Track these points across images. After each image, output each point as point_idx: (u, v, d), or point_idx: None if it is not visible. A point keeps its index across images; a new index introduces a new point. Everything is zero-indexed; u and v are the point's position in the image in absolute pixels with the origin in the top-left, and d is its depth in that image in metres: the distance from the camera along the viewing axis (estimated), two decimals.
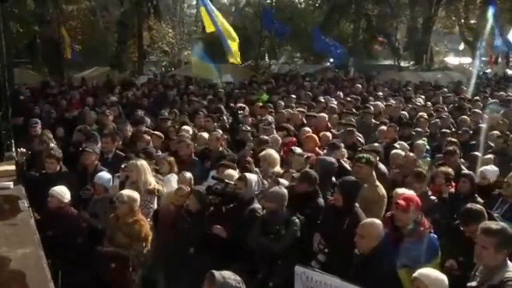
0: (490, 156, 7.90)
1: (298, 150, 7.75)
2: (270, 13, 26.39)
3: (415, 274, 4.10)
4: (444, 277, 4.11)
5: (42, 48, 26.23)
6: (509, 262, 3.96)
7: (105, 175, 6.80)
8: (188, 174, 7.03)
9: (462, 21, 33.30)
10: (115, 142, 8.19)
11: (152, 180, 6.70)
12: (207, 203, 6.12)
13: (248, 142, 9.01)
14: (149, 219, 6.35)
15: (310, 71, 26.40)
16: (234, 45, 13.36)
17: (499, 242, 3.90)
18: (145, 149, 7.93)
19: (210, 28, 13.20)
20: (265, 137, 8.62)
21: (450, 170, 6.82)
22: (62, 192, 6.14)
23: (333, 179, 6.77)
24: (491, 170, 6.98)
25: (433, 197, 6.35)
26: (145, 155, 7.46)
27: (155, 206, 6.70)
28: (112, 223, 5.90)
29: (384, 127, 9.64)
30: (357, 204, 5.50)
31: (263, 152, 7.63)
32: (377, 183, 6.52)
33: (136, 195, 5.90)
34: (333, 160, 6.96)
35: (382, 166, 7.50)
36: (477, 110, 11.98)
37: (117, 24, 28.50)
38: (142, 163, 6.71)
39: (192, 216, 6.02)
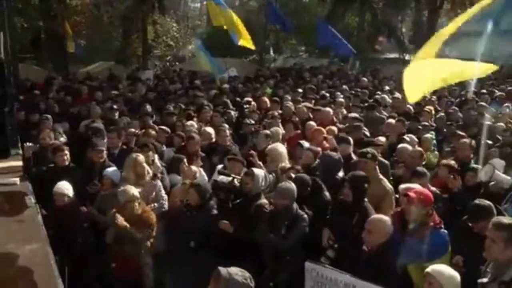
0: (495, 149, 7.85)
1: (306, 144, 7.70)
2: (274, 7, 26.24)
3: (427, 270, 4.07)
4: (456, 274, 4.09)
5: (46, 44, 26.21)
6: None
7: (113, 170, 6.80)
8: (194, 168, 7.07)
9: None
10: (121, 138, 8.18)
11: (149, 170, 6.75)
12: (208, 197, 6.08)
13: (250, 136, 8.97)
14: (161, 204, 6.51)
15: (315, 64, 26.29)
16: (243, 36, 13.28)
17: (510, 236, 3.85)
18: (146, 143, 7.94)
19: (216, 22, 13.10)
20: (267, 131, 8.56)
21: (453, 162, 6.78)
22: (65, 188, 6.16)
23: (340, 174, 6.76)
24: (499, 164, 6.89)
25: (433, 189, 6.24)
26: (147, 148, 7.46)
27: (162, 193, 6.74)
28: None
29: (392, 121, 9.56)
30: (366, 199, 5.47)
31: (269, 147, 7.61)
32: (381, 177, 6.47)
33: (133, 189, 5.93)
34: (337, 156, 6.90)
35: (383, 159, 7.44)
36: (483, 104, 11.89)
37: (121, 19, 28.45)
38: (138, 156, 6.76)
39: (192, 210, 6.01)
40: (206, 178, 7.22)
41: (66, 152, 7.15)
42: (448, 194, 6.24)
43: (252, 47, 14.05)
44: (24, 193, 6.10)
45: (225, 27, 13.30)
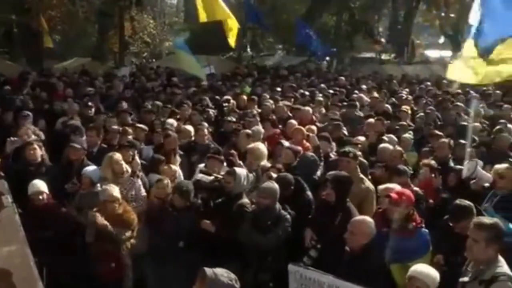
0: (471, 149, 7.95)
1: (286, 143, 7.71)
2: (251, 4, 26.21)
3: (412, 274, 4.11)
4: (436, 272, 4.16)
5: (20, 38, 25.67)
6: (500, 257, 4.00)
7: (92, 169, 6.68)
8: (174, 167, 7.04)
9: (443, 14, 33.56)
10: (100, 136, 8.08)
11: (127, 168, 6.68)
12: (191, 199, 6.04)
13: (232, 135, 8.94)
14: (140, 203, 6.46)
15: (292, 63, 26.34)
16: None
17: (490, 236, 3.94)
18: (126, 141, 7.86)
19: (203, 18, 12.84)
20: (248, 131, 8.55)
21: (433, 162, 6.88)
22: (40, 186, 6.06)
23: (318, 173, 6.80)
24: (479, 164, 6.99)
25: (415, 189, 6.31)
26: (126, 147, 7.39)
27: (142, 192, 6.67)
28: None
29: (372, 120, 9.63)
30: (348, 199, 5.49)
31: (250, 145, 7.59)
32: (362, 176, 6.53)
33: (115, 189, 5.87)
34: (314, 157, 6.94)
35: (362, 159, 7.49)
36: (459, 104, 12.06)
37: (97, 14, 28.03)
38: (114, 154, 6.70)
39: (179, 210, 5.96)
40: (182, 177, 7.18)
41: (36, 147, 7.05)
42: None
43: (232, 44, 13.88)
44: (1, 192, 5.94)
45: (226, 21, 12.93)
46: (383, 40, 31.16)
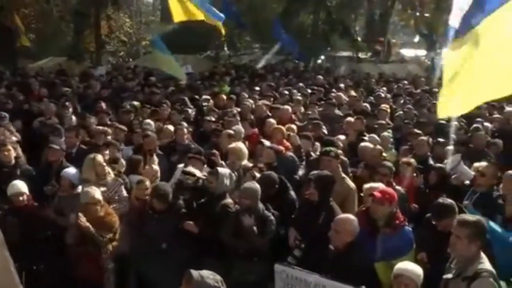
0: (451, 147, 8.06)
1: (267, 143, 7.71)
2: (228, 3, 26.11)
3: (399, 271, 4.14)
4: (421, 270, 4.20)
5: None
6: (482, 253, 4.06)
7: (71, 171, 6.58)
8: (155, 167, 6.98)
9: (418, 14, 34.03)
10: (78, 136, 7.97)
11: (108, 169, 6.64)
12: (170, 200, 5.97)
13: (211, 135, 8.91)
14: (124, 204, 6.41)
15: (270, 62, 26.35)
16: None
17: (473, 233, 4.00)
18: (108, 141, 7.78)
19: (178, 18, 12.70)
20: (230, 131, 8.52)
21: (412, 160, 6.94)
22: (21, 187, 5.92)
23: (300, 173, 6.81)
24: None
25: (398, 188, 6.38)
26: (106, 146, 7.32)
27: (124, 193, 6.62)
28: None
29: (351, 119, 9.66)
30: (331, 199, 5.51)
31: (232, 145, 7.56)
32: (344, 175, 6.55)
33: (96, 191, 5.81)
34: (293, 157, 6.93)
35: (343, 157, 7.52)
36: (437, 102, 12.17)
37: (73, 13, 27.65)
38: (96, 156, 6.62)
39: (159, 213, 5.90)
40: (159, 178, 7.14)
41: (10, 148, 6.96)
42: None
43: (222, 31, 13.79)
44: None
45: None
46: (382, 39, 31.30)
